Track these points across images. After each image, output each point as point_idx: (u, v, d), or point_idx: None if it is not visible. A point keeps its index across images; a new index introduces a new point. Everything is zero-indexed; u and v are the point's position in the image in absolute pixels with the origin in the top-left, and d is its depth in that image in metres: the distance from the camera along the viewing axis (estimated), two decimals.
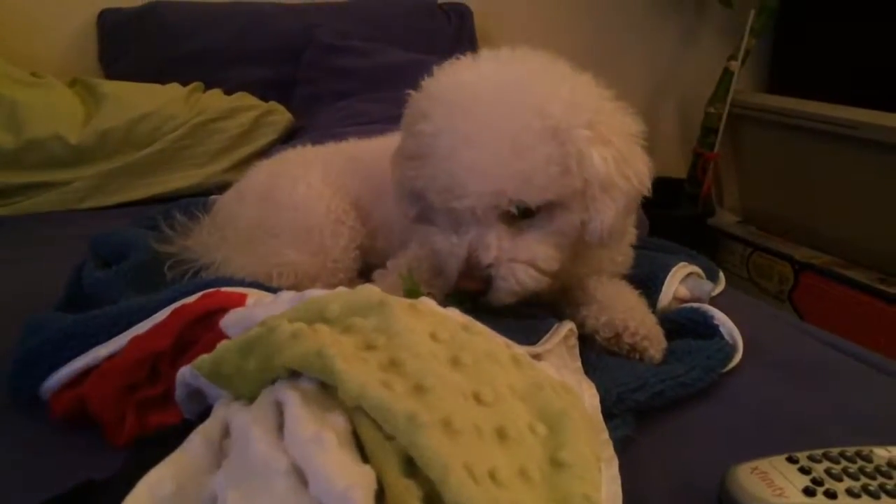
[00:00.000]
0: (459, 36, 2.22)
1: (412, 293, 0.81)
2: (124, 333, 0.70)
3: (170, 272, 0.96)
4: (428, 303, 0.64)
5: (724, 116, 2.49)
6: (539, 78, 0.84)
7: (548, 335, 0.77)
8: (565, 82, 0.84)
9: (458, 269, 0.83)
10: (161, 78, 1.83)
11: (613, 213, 0.83)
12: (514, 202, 0.80)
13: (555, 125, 0.79)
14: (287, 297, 0.64)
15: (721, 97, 2.48)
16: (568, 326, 0.81)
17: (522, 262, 0.82)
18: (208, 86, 1.87)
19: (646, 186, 0.87)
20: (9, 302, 0.97)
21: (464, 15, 2.25)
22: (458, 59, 0.89)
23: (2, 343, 0.75)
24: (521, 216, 0.82)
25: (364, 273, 1.05)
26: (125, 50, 1.95)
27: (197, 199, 1.29)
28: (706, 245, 2.54)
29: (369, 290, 0.61)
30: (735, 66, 2.44)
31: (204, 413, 0.57)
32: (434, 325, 0.59)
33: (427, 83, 0.88)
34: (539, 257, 0.83)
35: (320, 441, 0.45)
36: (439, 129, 0.82)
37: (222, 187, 1.25)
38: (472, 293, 0.83)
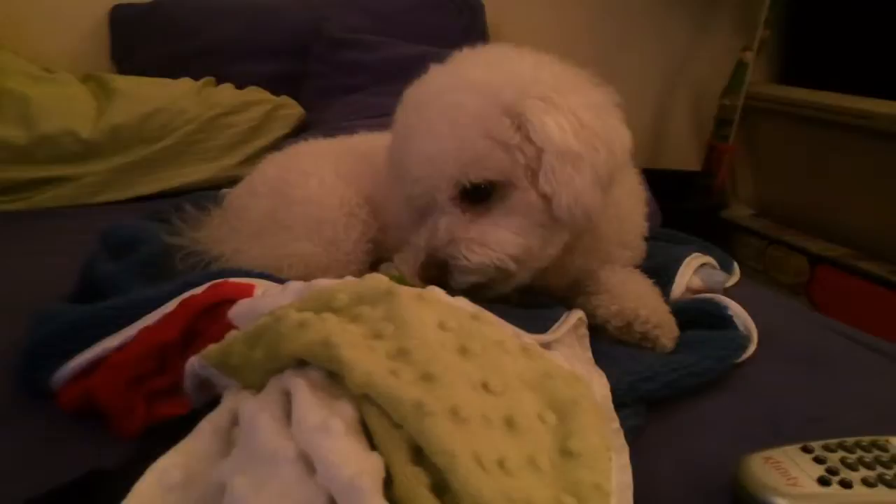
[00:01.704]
0: (470, 29, 2.21)
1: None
2: (133, 325, 0.70)
3: (180, 264, 0.96)
4: (436, 292, 0.64)
5: (739, 108, 2.47)
6: (498, 68, 0.84)
7: (557, 324, 0.77)
8: (523, 62, 0.85)
9: (420, 259, 0.84)
10: (173, 73, 1.83)
11: (580, 185, 0.80)
12: (457, 181, 0.81)
13: (499, 100, 0.80)
14: (294, 287, 0.63)
15: (735, 89, 2.46)
16: (577, 315, 0.81)
17: (476, 243, 0.82)
18: (220, 80, 1.87)
19: (619, 157, 0.84)
20: (21, 295, 0.97)
21: (474, 8, 2.24)
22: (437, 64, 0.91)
23: (15, 335, 0.75)
24: (476, 200, 0.83)
25: (376, 266, 1.05)
26: (137, 45, 1.96)
27: (208, 192, 1.29)
28: (720, 238, 2.51)
29: (377, 280, 0.61)
30: (749, 57, 2.42)
31: (212, 403, 0.57)
32: (442, 314, 0.59)
33: (408, 88, 0.90)
34: (494, 238, 0.82)
35: (328, 429, 0.45)
36: (398, 120, 0.87)
37: (234, 181, 1.25)
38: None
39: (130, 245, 0.98)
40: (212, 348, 0.57)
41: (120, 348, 0.68)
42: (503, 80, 0.82)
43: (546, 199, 0.82)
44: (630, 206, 0.99)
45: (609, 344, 0.84)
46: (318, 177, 1.08)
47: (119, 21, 1.97)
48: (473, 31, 2.21)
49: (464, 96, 0.81)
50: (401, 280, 0.81)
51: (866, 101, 2.13)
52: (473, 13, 2.24)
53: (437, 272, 0.82)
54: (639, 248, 1.02)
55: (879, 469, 0.57)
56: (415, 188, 0.84)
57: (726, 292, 1.02)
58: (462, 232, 0.82)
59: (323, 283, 0.63)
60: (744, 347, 0.84)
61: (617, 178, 0.86)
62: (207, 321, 0.69)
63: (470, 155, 0.80)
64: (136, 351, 0.67)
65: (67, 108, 1.59)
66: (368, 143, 1.19)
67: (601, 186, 0.83)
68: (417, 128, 0.84)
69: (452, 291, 0.72)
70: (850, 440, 0.60)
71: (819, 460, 0.58)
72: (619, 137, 0.84)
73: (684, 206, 2.48)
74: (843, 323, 1.02)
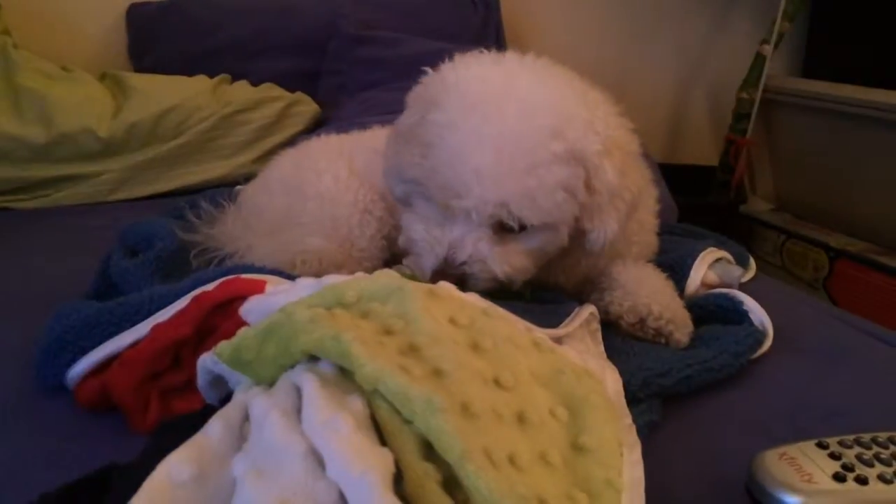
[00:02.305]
0: (486, 25, 2.21)
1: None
2: (146, 321, 0.70)
3: (195, 260, 0.96)
4: (447, 287, 0.63)
5: (757, 102, 2.44)
6: (559, 94, 0.82)
7: (569, 318, 0.76)
8: (582, 102, 0.82)
9: (436, 265, 0.82)
10: (189, 70, 1.84)
11: (616, 223, 0.83)
12: (514, 217, 0.78)
13: (570, 148, 0.78)
14: (306, 283, 0.63)
15: (753, 82, 2.43)
16: (589, 310, 0.80)
17: (498, 263, 0.81)
18: (235, 77, 1.88)
19: (638, 197, 0.87)
20: (39, 291, 0.98)
21: (490, 4, 2.23)
22: (480, 52, 0.87)
23: (33, 331, 0.76)
24: (510, 229, 0.81)
25: (390, 264, 1.05)
26: (154, 44, 1.96)
27: (223, 189, 1.30)
28: (739, 233, 2.50)
29: (388, 276, 0.61)
30: (767, 50, 2.40)
31: (225, 399, 0.58)
32: (453, 309, 0.59)
33: (444, 69, 0.86)
34: (513, 266, 0.82)
35: (337, 424, 0.45)
36: (451, 121, 0.79)
37: (249, 178, 1.25)
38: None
39: (146, 242, 0.98)
40: (224, 344, 0.57)
41: (133, 345, 0.69)
42: (572, 122, 0.79)
43: (586, 231, 0.84)
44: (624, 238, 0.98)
45: (623, 339, 0.84)
46: (333, 173, 1.08)
47: (136, 19, 1.98)
48: (489, 27, 2.21)
49: (539, 131, 0.77)
50: (413, 279, 0.81)
51: (886, 93, 2.10)
52: (489, 10, 2.23)
53: (451, 281, 0.81)
54: (647, 244, 1.02)
55: None
56: (462, 201, 0.78)
57: (742, 287, 1.01)
58: (487, 252, 0.81)
59: (334, 279, 0.63)
60: (759, 343, 0.83)
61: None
62: (220, 318, 0.69)
63: (540, 201, 0.77)
64: (149, 348, 0.67)
65: (85, 106, 1.60)
66: (382, 139, 1.19)
67: (628, 220, 0.87)
68: (484, 143, 0.77)
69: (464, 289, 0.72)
70: (866, 436, 0.60)
71: (834, 456, 0.57)
72: (642, 178, 0.88)
73: (703, 201, 2.47)
74: (863, 318, 1.01)
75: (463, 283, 0.81)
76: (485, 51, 0.87)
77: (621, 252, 0.96)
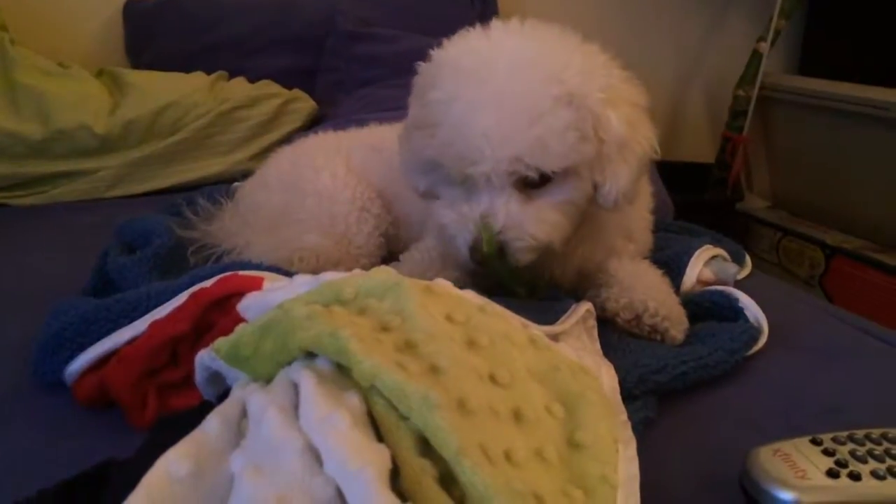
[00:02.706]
0: (483, 21, 2.20)
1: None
2: (144, 318, 0.71)
3: (193, 257, 0.97)
4: (444, 284, 0.64)
5: (754, 99, 2.45)
6: (551, 46, 0.83)
7: (565, 315, 0.77)
8: (577, 51, 0.83)
9: (469, 240, 0.82)
10: (187, 67, 1.84)
11: (627, 176, 0.83)
12: (531, 168, 0.79)
13: (571, 91, 0.79)
14: (303, 280, 0.64)
15: (750, 79, 2.44)
16: (585, 307, 0.81)
17: (535, 223, 0.82)
18: (232, 74, 1.88)
19: (655, 150, 0.87)
20: (36, 288, 0.98)
21: (487, 1, 2.24)
22: (467, 30, 0.88)
23: (30, 328, 0.76)
24: (534, 184, 0.81)
25: (387, 261, 1.06)
26: (151, 40, 1.96)
27: (220, 185, 1.30)
28: (735, 230, 2.51)
29: (385, 272, 0.61)
30: (764, 47, 2.40)
31: (223, 396, 0.58)
32: (450, 306, 0.59)
33: (436, 52, 0.87)
34: (548, 222, 0.82)
35: (334, 420, 0.45)
36: (451, 95, 0.80)
37: (247, 175, 1.25)
38: (526, 281, 0.85)
39: (143, 238, 0.98)
40: (221, 341, 0.57)
41: (131, 341, 0.69)
42: (568, 68, 0.80)
43: (597, 185, 0.84)
44: (635, 193, 0.98)
45: (619, 336, 0.84)
46: (330, 170, 1.08)
47: (133, 16, 1.98)
48: (486, 22, 2.21)
49: (535, 81, 0.78)
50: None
51: (882, 90, 2.10)
52: (486, 5, 2.24)
53: (489, 249, 0.81)
54: (644, 241, 1.02)
55: (889, 461, 0.57)
56: (479, 166, 0.79)
57: (738, 284, 1.02)
58: (521, 214, 0.81)
59: (331, 275, 0.63)
60: (755, 339, 0.83)
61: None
62: (218, 314, 0.69)
63: (552, 146, 0.78)
64: (147, 344, 0.68)
65: (82, 103, 1.60)
66: (379, 136, 1.19)
67: (640, 175, 0.87)
68: (487, 106, 0.78)
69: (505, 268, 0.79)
70: (859, 432, 0.60)
71: (828, 452, 0.58)
72: (651, 132, 0.87)
73: (700, 199, 2.47)
74: (859, 315, 1.01)
75: (503, 254, 0.81)
76: (471, 29, 0.88)
77: (617, 246, 0.96)
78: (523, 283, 0.86)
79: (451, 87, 0.81)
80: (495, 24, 0.87)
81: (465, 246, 0.83)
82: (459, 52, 0.84)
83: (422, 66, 0.88)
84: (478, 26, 0.87)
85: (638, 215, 1.01)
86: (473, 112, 0.78)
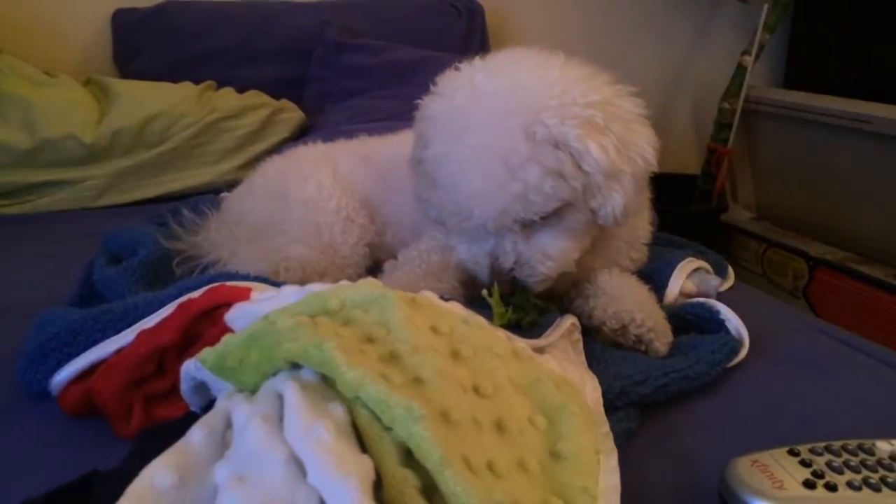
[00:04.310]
0: (470, 32, 2.22)
1: (501, 316, 0.84)
2: (131, 328, 0.71)
3: (178, 268, 0.97)
4: (429, 296, 0.64)
5: (738, 112, 2.47)
6: (529, 85, 0.83)
7: (550, 329, 0.77)
8: (556, 84, 0.83)
9: (490, 278, 0.87)
10: (174, 77, 1.84)
11: (622, 197, 0.84)
12: (519, 220, 0.82)
13: (550, 134, 0.79)
14: (290, 290, 0.64)
15: (735, 92, 2.46)
16: (570, 320, 0.81)
17: (542, 256, 0.85)
18: (220, 84, 1.88)
19: (651, 164, 0.87)
20: (22, 298, 0.98)
21: (474, 11, 2.25)
22: (456, 69, 0.89)
23: (16, 338, 0.76)
24: (534, 222, 0.83)
25: (372, 271, 1.06)
26: (139, 49, 1.97)
27: (206, 196, 1.30)
28: (720, 241, 2.53)
29: (371, 284, 0.62)
30: (748, 61, 2.43)
31: (208, 406, 0.58)
32: (434, 318, 0.60)
33: (426, 103, 0.89)
34: (555, 252, 0.85)
35: (318, 431, 0.46)
36: (438, 157, 0.84)
37: (234, 185, 1.26)
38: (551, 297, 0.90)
39: (130, 249, 0.99)
40: (207, 351, 0.58)
41: (118, 352, 0.69)
42: (540, 104, 0.80)
43: (593, 210, 0.85)
44: (637, 206, 0.99)
45: (602, 348, 0.85)
46: (316, 180, 1.09)
47: (121, 25, 1.98)
48: (474, 34, 2.23)
49: (509, 133, 0.79)
50: (501, 312, 0.84)
51: (866, 104, 2.13)
52: (473, 16, 2.25)
53: (507, 288, 0.86)
54: (643, 252, 1.03)
55: (865, 472, 0.58)
56: (473, 222, 0.83)
57: (721, 296, 1.03)
58: (528, 250, 0.85)
59: (317, 287, 0.64)
60: (735, 351, 0.84)
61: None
62: (205, 324, 0.70)
63: (532, 197, 0.79)
64: (134, 353, 0.68)
65: (69, 112, 1.60)
66: (368, 146, 1.20)
67: (638, 191, 0.88)
68: (468, 167, 0.81)
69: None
70: (836, 443, 0.61)
71: (805, 463, 0.58)
72: (649, 143, 0.87)
73: (685, 210, 2.49)
74: (842, 326, 1.02)
75: (514, 289, 0.86)
76: (460, 66, 0.89)
77: (621, 253, 0.99)
78: (549, 297, 0.91)
79: (437, 146, 0.85)
80: (477, 62, 0.88)
81: (486, 280, 0.87)
82: (442, 108, 0.86)
83: (418, 112, 0.91)
84: (466, 64, 0.89)
85: (642, 226, 1.03)
86: (460, 173, 0.82)
